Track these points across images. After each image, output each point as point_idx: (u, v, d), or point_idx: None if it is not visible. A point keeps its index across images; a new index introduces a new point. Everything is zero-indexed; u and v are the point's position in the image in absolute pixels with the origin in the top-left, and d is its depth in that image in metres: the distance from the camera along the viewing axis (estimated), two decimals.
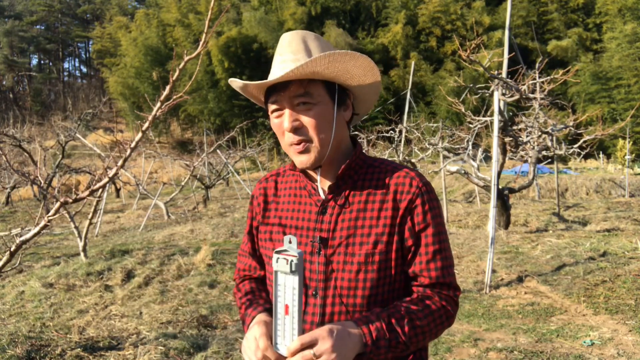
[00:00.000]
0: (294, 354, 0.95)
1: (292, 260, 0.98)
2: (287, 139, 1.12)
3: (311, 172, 1.20)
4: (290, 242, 1.03)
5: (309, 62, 1.04)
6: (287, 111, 1.11)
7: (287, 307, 1.00)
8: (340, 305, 1.10)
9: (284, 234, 1.19)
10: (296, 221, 1.18)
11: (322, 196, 1.15)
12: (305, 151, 1.11)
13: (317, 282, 1.13)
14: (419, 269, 1.12)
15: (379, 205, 1.13)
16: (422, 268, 1.12)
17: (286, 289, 1.00)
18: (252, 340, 1.06)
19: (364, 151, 1.31)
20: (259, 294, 1.27)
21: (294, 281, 0.99)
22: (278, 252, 1.02)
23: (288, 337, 1.00)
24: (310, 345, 0.95)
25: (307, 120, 1.10)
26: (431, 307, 1.09)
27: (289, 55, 1.11)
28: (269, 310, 1.17)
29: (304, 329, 1.03)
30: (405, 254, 1.13)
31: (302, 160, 1.12)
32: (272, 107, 1.13)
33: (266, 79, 1.18)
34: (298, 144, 1.11)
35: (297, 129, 1.10)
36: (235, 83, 1.17)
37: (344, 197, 1.15)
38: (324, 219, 1.14)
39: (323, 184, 1.19)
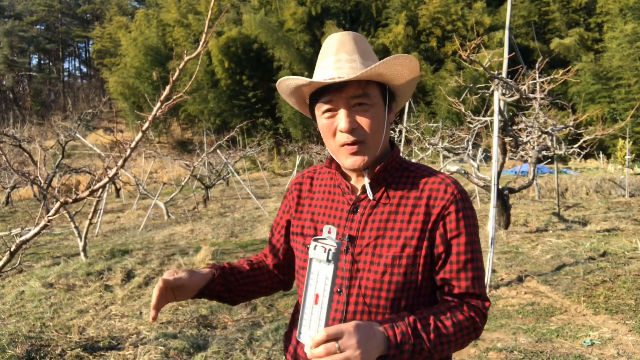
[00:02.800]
0: (318, 344, 0.94)
1: (330, 249, 1.00)
2: (340, 139, 1.12)
3: (350, 173, 1.20)
4: (329, 232, 1.04)
5: (381, 64, 1.06)
6: (342, 111, 1.10)
7: (317, 296, 1.01)
8: (363, 305, 1.11)
9: (315, 229, 1.20)
10: (328, 218, 1.20)
11: (369, 196, 1.15)
12: (359, 152, 1.11)
13: (343, 279, 1.13)
14: (449, 277, 1.10)
15: (410, 209, 1.12)
16: (452, 277, 1.10)
17: (319, 278, 1.01)
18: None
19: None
20: (245, 264, 1.35)
21: (328, 271, 1.00)
22: (316, 240, 1.03)
23: (314, 327, 1.00)
24: (336, 338, 0.94)
25: (364, 121, 1.10)
26: (458, 317, 1.08)
27: (344, 56, 1.11)
28: (220, 268, 1.26)
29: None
30: (435, 261, 1.12)
31: (355, 161, 1.12)
32: (324, 107, 1.12)
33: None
34: (352, 144, 1.11)
35: (353, 130, 1.10)
36: (289, 81, 1.14)
37: (377, 199, 1.15)
38: (354, 218, 1.15)
39: (358, 184, 1.19)
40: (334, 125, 1.12)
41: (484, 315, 1.12)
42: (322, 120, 1.14)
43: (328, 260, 0.99)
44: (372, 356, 0.95)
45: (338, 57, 1.11)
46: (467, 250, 1.10)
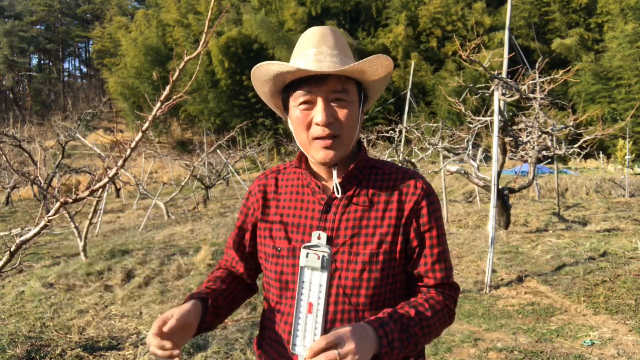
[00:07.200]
0: (317, 353, 0.91)
1: (323, 256, 0.97)
2: (314, 132, 1.11)
3: (319, 172, 1.19)
4: (319, 237, 1.01)
5: (366, 61, 1.07)
6: (321, 104, 1.09)
7: (310, 305, 0.98)
8: (343, 304, 1.10)
9: (285, 231, 1.18)
10: (298, 219, 1.17)
11: (337, 194, 1.14)
12: (332, 147, 1.10)
13: None
14: (424, 270, 1.14)
15: (383, 206, 1.13)
16: (428, 269, 1.14)
17: (312, 286, 0.99)
18: (160, 318, 1.02)
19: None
20: (220, 283, 1.26)
21: (321, 278, 0.97)
22: (307, 248, 1.00)
23: (309, 337, 0.97)
24: (335, 344, 0.92)
25: (341, 117, 1.10)
26: (436, 307, 1.12)
27: (326, 49, 1.11)
28: (205, 299, 1.15)
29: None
30: (409, 255, 1.15)
31: (327, 155, 1.11)
32: (302, 97, 1.11)
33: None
34: (326, 138, 1.10)
35: (329, 124, 1.09)
36: (271, 66, 1.11)
37: (349, 197, 1.15)
38: (327, 217, 1.14)
39: (329, 183, 1.18)
40: (309, 117, 1.10)
41: (456, 301, 1.19)
42: (296, 111, 1.12)
43: (322, 268, 0.97)
44: (367, 357, 0.96)
45: (320, 50, 1.10)
46: (439, 242, 1.15)
